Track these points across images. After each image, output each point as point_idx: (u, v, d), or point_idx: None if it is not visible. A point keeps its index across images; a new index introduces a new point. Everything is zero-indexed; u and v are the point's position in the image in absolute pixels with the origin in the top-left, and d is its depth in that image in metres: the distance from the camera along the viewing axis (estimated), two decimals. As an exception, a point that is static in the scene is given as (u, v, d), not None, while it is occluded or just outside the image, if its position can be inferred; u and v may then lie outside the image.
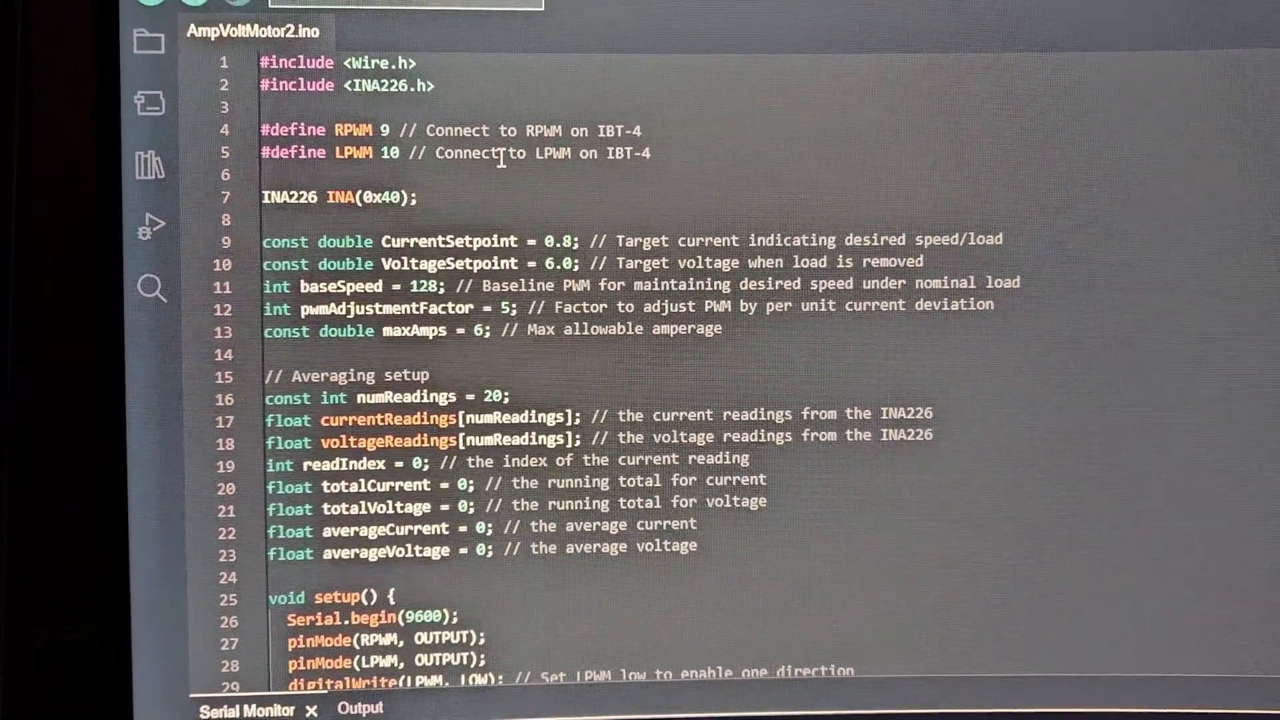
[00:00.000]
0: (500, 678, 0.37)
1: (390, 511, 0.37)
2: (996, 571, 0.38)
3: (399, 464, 0.37)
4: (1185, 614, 0.38)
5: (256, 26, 0.36)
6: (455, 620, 0.37)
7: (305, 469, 0.37)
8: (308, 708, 0.37)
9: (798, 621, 0.38)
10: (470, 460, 0.37)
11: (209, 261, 0.36)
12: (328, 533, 0.37)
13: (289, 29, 0.36)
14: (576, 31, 0.37)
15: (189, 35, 0.36)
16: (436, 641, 0.37)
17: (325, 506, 0.37)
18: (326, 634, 0.37)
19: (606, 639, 0.37)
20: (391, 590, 0.37)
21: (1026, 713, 0.38)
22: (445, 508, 0.37)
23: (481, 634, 0.37)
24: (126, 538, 0.36)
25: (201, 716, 0.37)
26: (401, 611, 0.37)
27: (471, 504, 0.37)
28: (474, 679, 0.37)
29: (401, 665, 0.37)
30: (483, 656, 0.37)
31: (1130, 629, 0.38)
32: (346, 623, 0.37)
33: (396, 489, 0.37)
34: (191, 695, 0.37)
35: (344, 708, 0.37)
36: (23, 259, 0.36)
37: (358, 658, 0.37)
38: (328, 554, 0.37)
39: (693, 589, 0.37)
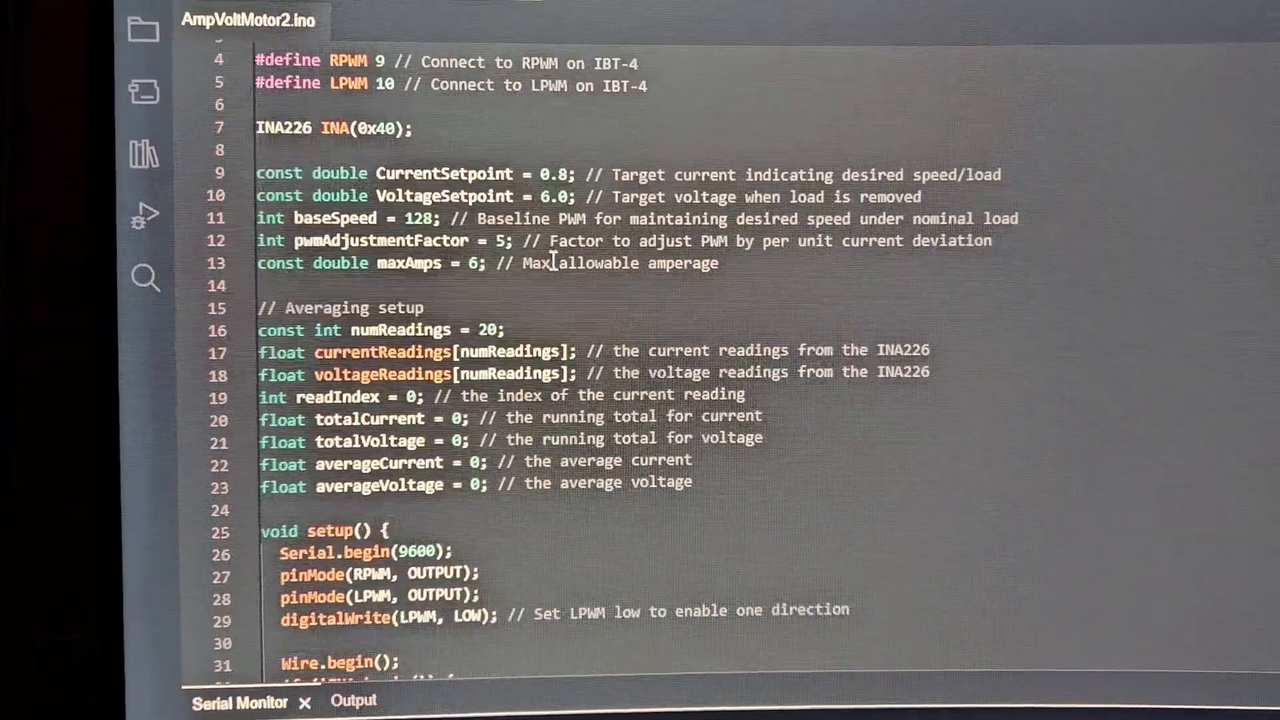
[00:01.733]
0: (493, 614, 0.37)
1: (384, 445, 0.37)
2: (993, 508, 0.37)
3: (393, 397, 0.37)
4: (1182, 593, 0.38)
5: (252, 15, 0.36)
6: (449, 556, 0.37)
7: (298, 401, 0.36)
8: (301, 700, 0.37)
9: (793, 559, 0.37)
10: (464, 394, 0.37)
11: (202, 191, 0.36)
12: (321, 466, 0.37)
13: (284, 18, 0.36)
14: (574, 21, 0.36)
15: (184, 23, 0.36)
16: (430, 577, 0.37)
17: (318, 440, 0.37)
18: (319, 568, 0.37)
19: (600, 576, 0.37)
20: (385, 525, 0.37)
21: (1020, 674, 0.38)
22: (439, 442, 0.37)
23: (475, 569, 0.37)
24: (119, 528, 0.36)
25: (195, 709, 0.37)
26: (395, 546, 0.37)
27: (466, 438, 0.37)
28: (467, 615, 0.37)
29: (394, 600, 0.37)
30: (476, 592, 0.37)
31: (1130, 575, 0.38)
32: (339, 557, 0.37)
33: (390, 422, 0.37)
34: (184, 686, 0.37)
35: (337, 700, 0.37)
36: (15, 244, 0.36)
37: (350, 592, 0.37)
38: (321, 487, 0.37)
39: (688, 526, 0.37)
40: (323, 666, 0.37)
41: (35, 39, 0.36)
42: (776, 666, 0.38)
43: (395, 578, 0.37)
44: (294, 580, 0.37)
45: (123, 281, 0.36)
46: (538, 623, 0.37)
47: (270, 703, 0.37)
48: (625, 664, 0.37)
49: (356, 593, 0.37)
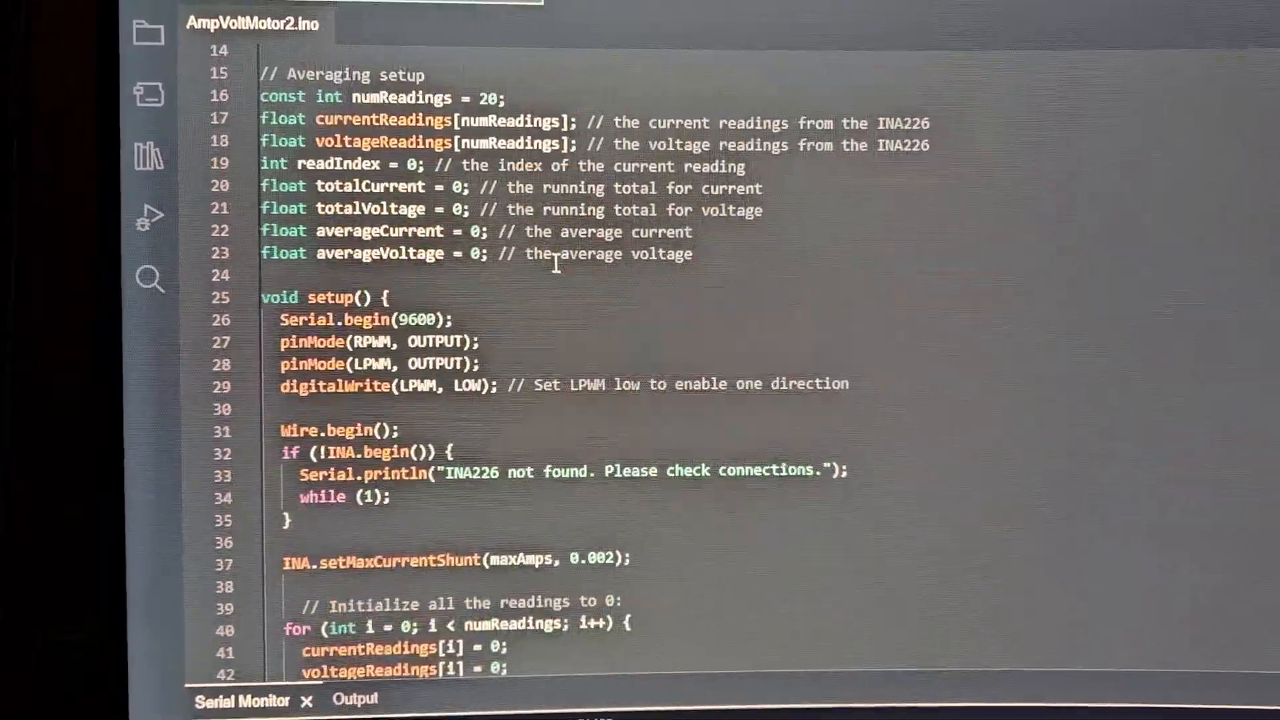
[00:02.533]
0: (493, 384, 0.37)
1: (384, 213, 0.37)
2: (987, 271, 0.37)
3: (394, 165, 0.37)
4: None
5: (256, 19, 0.36)
6: (449, 324, 0.37)
7: (300, 167, 0.37)
8: (303, 698, 0.37)
9: (793, 333, 0.37)
10: (465, 163, 0.37)
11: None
12: (321, 232, 0.37)
13: (288, 21, 0.36)
14: (577, 26, 0.37)
15: (188, 27, 0.36)
16: (430, 345, 0.37)
17: (319, 206, 0.37)
18: (319, 335, 0.37)
19: (601, 347, 0.37)
20: (385, 292, 0.37)
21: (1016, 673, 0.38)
22: (440, 210, 0.37)
23: (475, 339, 0.37)
24: (122, 528, 0.36)
25: (198, 707, 0.37)
26: (395, 314, 0.37)
27: (466, 207, 0.37)
28: (467, 384, 0.37)
29: (395, 369, 0.37)
30: (476, 362, 0.37)
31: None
32: (339, 324, 0.37)
33: (391, 190, 0.37)
34: (186, 685, 0.37)
35: (339, 698, 0.37)
36: (21, 246, 0.36)
37: (350, 360, 0.37)
38: (321, 254, 0.37)
39: (687, 298, 0.37)
40: (322, 434, 0.37)
41: (41, 42, 0.36)
42: (775, 438, 0.38)
43: (395, 346, 0.37)
44: (294, 347, 0.37)
45: (127, 283, 0.36)
46: (537, 393, 0.37)
47: (273, 701, 0.37)
48: (626, 440, 0.37)
49: (356, 360, 0.37)
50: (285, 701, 0.37)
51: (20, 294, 0.36)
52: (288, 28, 0.36)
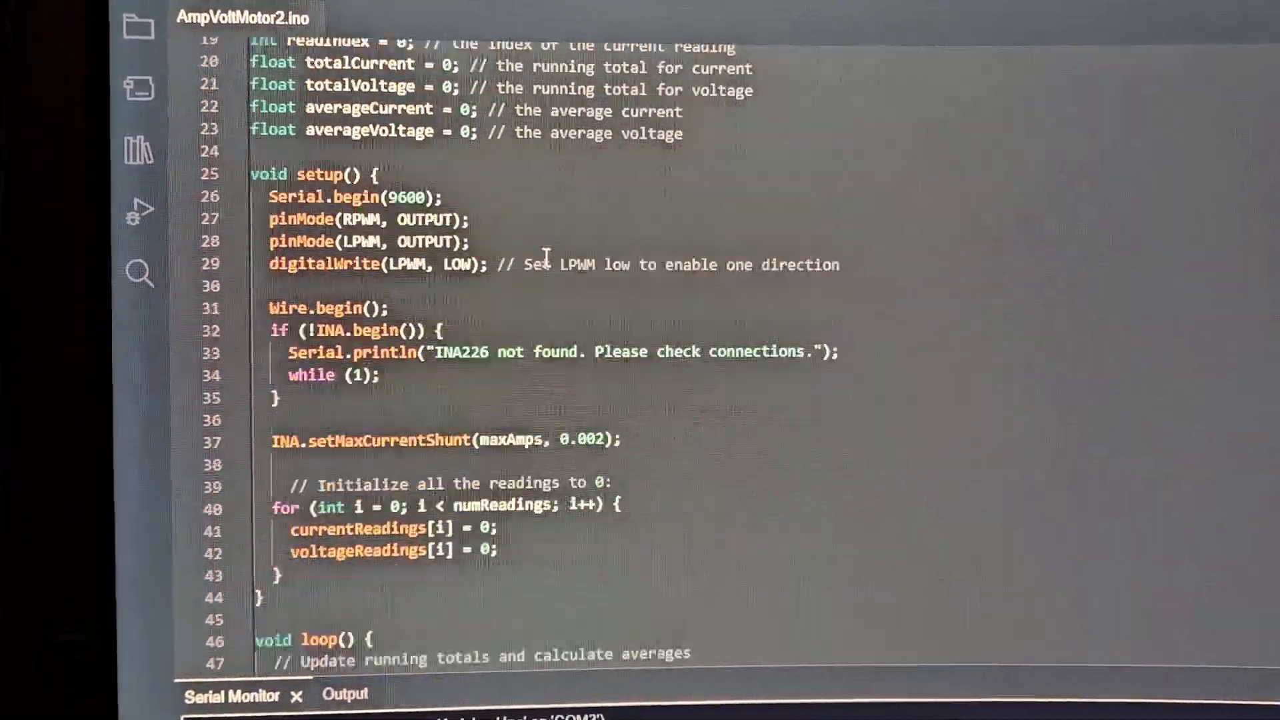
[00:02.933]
0: (483, 263, 0.37)
1: (374, 90, 0.37)
2: (976, 182, 0.37)
3: (383, 42, 0.37)
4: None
5: (246, 12, 0.36)
6: (439, 203, 0.37)
7: (289, 44, 0.36)
8: (292, 693, 0.37)
9: (782, 213, 0.37)
10: (455, 41, 0.37)
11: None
12: (311, 109, 0.37)
13: (278, 15, 0.36)
14: (574, 16, 0.37)
15: (179, 20, 0.36)
16: (419, 224, 0.37)
17: (309, 82, 0.37)
18: (308, 212, 0.37)
19: (590, 227, 0.37)
20: (374, 170, 0.37)
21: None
22: (429, 88, 0.37)
23: (465, 217, 0.37)
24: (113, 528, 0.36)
25: (187, 701, 0.37)
26: (384, 192, 0.37)
27: (455, 85, 0.37)
28: (456, 263, 0.37)
29: (384, 246, 0.37)
30: (465, 240, 0.37)
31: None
32: (329, 201, 0.37)
33: (380, 67, 0.37)
34: (176, 679, 0.37)
35: (329, 694, 0.37)
36: (10, 240, 0.36)
37: (340, 237, 0.37)
38: (310, 130, 0.37)
39: (678, 178, 0.37)
40: (311, 311, 0.37)
41: (31, 36, 0.36)
42: (765, 320, 0.37)
43: (385, 224, 0.37)
44: (283, 224, 0.37)
45: (117, 277, 0.36)
46: (527, 273, 0.37)
47: (262, 696, 0.37)
48: (616, 321, 0.37)
49: (346, 238, 0.37)
50: (275, 696, 0.37)
51: (9, 289, 0.36)
52: (278, 21, 0.36)
